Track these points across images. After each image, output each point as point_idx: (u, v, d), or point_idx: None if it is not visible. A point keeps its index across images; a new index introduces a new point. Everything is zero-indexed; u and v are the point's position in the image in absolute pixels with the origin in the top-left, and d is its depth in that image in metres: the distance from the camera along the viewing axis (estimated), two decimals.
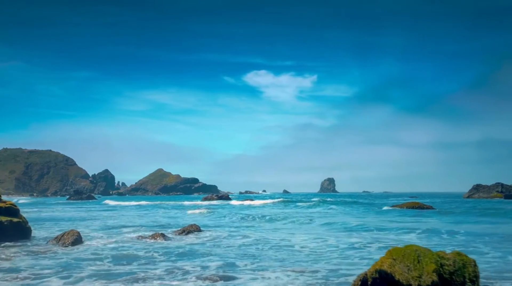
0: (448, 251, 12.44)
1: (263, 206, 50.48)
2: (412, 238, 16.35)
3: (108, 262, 11.54)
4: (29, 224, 19.47)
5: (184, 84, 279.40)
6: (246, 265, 11.06)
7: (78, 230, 20.01)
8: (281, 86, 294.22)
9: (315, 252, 13.30)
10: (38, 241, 16.16)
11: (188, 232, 18.12)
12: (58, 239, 15.30)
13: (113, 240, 16.19)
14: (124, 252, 13.11)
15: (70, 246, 14.48)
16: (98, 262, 11.46)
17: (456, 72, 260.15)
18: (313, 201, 60.18)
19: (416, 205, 39.92)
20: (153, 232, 17.40)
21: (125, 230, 20.37)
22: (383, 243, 14.82)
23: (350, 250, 13.58)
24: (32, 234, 18.09)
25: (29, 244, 15.25)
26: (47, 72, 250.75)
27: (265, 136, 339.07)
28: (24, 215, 35.09)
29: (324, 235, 17.64)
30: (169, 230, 20.14)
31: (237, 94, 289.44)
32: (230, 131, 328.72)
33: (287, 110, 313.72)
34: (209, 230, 19.80)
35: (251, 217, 28.83)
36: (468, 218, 27.64)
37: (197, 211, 37.17)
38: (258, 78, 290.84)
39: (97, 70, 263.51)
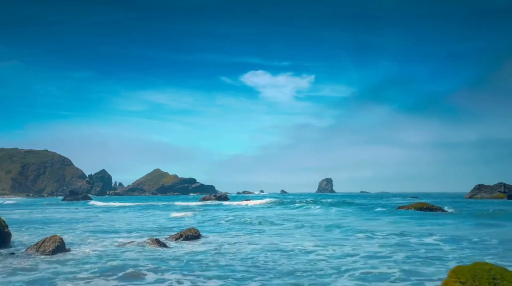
0: (489, 262, 10.60)
1: (261, 207, 48.47)
2: (438, 245, 14.52)
3: (90, 275, 9.67)
4: (11, 227, 17.67)
5: (181, 84, 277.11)
6: (256, 280, 9.22)
7: (63, 234, 18.14)
8: (278, 86, 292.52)
9: (334, 261, 11.47)
10: (17, 248, 14.28)
11: (186, 238, 16.24)
12: (38, 246, 13.40)
13: (101, 247, 14.30)
14: (113, 263, 11.23)
15: (50, 255, 12.58)
16: (78, 275, 9.60)
17: (455, 71, 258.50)
18: (311, 201, 58.08)
19: (424, 206, 37.83)
20: (146, 238, 15.53)
21: (114, 234, 18.44)
22: (410, 251, 12.99)
23: (373, 259, 11.75)
24: (12, 239, 16.18)
25: (4, 252, 13.33)
26: (43, 72, 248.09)
27: (262, 136, 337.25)
28: (14, 216, 33.26)
29: (337, 241, 15.81)
30: (165, 234, 18.30)
31: (234, 94, 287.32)
32: (227, 131, 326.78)
33: (284, 110, 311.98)
34: (210, 235, 17.92)
35: (249, 219, 26.78)
36: (486, 220, 25.80)
37: (183, 213, 33.60)
38: (255, 78, 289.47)
39: (94, 70, 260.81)
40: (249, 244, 15.02)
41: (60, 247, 13.21)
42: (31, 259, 11.88)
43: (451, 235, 16.99)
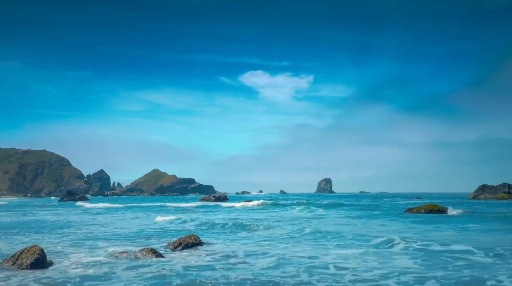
0: None
1: (262, 208, 46.55)
2: (473, 253, 12.66)
3: None
4: None
5: (180, 84, 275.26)
6: None
7: (50, 241, 16.40)
8: (277, 87, 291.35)
9: (361, 277, 9.68)
10: None
11: (186, 246, 14.43)
12: (15, 259, 11.57)
13: (88, 257, 12.45)
14: (101, 283, 9.44)
15: (27, 269, 10.77)
16: None
17: (455, 71, 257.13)
18: (313, 202, 56.28)
19: (435, 208, 35.85)
20: (141, 247, 13.72)
21: (105, 242, 16.44)
22: (445, 264, 11.17)
23: (406, 276, 9.97)
24: None
25: None
26: (42, 72, 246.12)
27: (261, 136, 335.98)
28: (5, 220, 31.36)
29: (355, 250, 14.00)
30: (162, 240, 16.50)
31: (233, 94, 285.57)
32: (226, 131, 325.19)
33: (283, 110, 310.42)
34: (213, 243, 16.08)
35: (251, 223, 24.66)
36: (504, 224, 24.00)
37: (182, 215, 31.14)
38: (254, 78, 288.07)
39: (92, 70, 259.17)
40: (259, 254, 13.20)
41: (40, 259, 11.37)
42: (3, 275, 10.06)
43: (480, 242, 15.21)
